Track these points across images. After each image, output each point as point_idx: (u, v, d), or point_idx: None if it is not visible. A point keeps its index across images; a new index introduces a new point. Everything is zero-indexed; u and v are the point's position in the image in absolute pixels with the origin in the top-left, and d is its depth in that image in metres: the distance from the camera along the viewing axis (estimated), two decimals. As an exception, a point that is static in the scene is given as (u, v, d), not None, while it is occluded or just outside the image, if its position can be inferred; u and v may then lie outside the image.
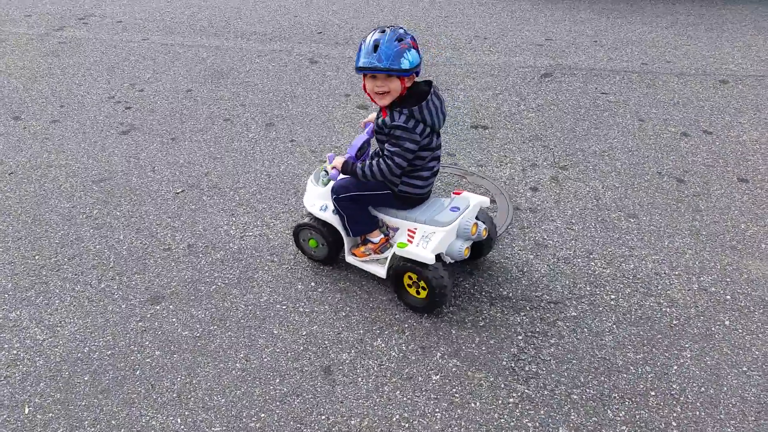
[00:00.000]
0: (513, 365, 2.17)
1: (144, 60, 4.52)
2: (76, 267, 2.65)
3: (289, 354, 2.23)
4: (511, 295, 2.48)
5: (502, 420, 1.98)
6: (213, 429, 1.97)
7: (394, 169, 2.17)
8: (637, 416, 1.99)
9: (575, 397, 2.06)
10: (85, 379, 2.16)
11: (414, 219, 2.33)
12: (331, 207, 2.43)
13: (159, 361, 2.21)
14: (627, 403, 2.03)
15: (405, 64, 2.07)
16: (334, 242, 2.52)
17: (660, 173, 3.24)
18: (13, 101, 4.02)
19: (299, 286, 2.53)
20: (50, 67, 4.46)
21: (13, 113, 3.88)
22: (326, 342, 2.27)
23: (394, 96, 2.14)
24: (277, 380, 2.13)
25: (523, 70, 4.42)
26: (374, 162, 2.19)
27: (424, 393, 2.08)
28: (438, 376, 2.13)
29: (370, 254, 2.46)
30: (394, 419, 1.99)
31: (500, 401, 2.04)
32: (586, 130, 3.66)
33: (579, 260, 2.66)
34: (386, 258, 2.40)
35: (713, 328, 2.31)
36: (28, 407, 2.06)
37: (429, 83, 2.22)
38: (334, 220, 2.45)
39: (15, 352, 2.27)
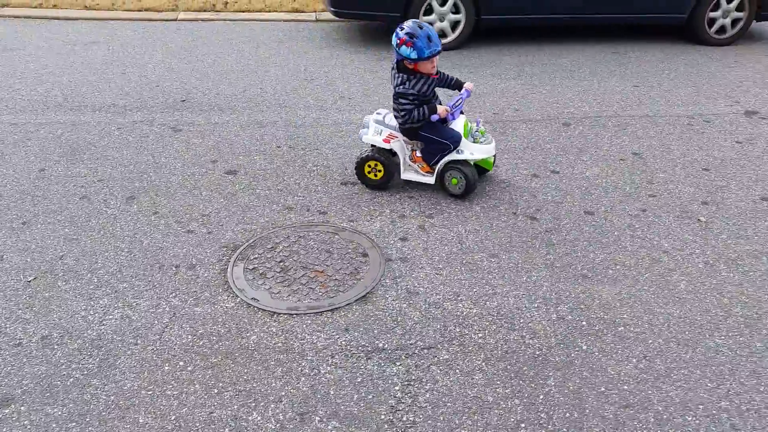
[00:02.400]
0: (391, 417, 2.19)
1: (-10, 141, 4.24)
2: None
3: (158, 440, 2.10)
4: (386, 346, 2.52)
5: (384, 475, 1.99)
6: None
7: None
8: (510, 450, 2.07)
9: (452, 440, 2.11)
10: None
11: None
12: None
13: (9, 470, 2.01)
14: (500, 438, 2.11)
15: None
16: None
17: (515, 213, 3.48)
18: None
19: (166, 368, 2.41)
20: None
21: None
22: (197, 424, 2.17)
23: None
24: (147, 471, 2.00)
25: (386, 125, 4.62)
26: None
27: (304, 460, 2.04)
28: (317, 440, 2.10)
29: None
30: (274, 492, 1.93)
31: (380, 456, 2.05)
32: (448, 178, 3.87)
33: (448, 303, 2.77)
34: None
35: (573, 354, 2.48)
36: None
37: None
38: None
39: None
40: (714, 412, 2.23)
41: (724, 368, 2.43)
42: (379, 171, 3.64)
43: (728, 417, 2.20)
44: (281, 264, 2.99)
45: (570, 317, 2.68)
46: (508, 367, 2.41)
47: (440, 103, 3.62)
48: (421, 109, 3.42)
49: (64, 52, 6.26)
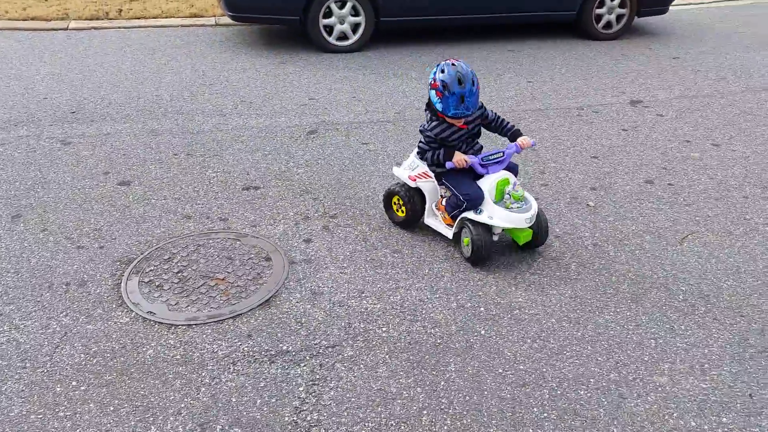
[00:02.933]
0: (295, 418, 2.18)
1: None
2: None
3: (48, 467, 1.99)
4: (290, 348, 2.50)
5: (288, 476, 1.97)
6: None
7: None
8: (413, 438, 2.11)
9: (356, 434, 2.12)
10: None
11: None
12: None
13: None
14: (402, 427, 2.15)
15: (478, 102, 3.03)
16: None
17: (417, 208, 3.55)
18: None
19: (58, 389, 2.29)
20: None
21: None
22: (93, 443, 2.08)
23: None
24: (35, 500, 1.89)
25: (290, 129, 4.60)
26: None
27: (205, 470, 1.99)
28: (219, 449, 2.06)
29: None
30: (174, 507, 1.87)
31: (284, 458, 2.03)
32: (351, 178, 3.89)
33: (353, 301, 2.79)
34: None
35: (472, 339, 2.56)
36: None
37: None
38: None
39: None
40: (604, 384, 2.36)
41: (613, 342, 2.58)
42: (401, 207, 3.30)
43: (617, 387, 2.34)
44: (179, 275, 2.91)
45: (469, 305, 2.77)
46: (411, 357, 2.46)
47: (480, 149, 3.20)
48: (437, 151, 3.03)
49: (-62, 65, 5.82)
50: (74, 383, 2.32)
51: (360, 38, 6.49)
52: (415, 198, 3.24)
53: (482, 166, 2.99)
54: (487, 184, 2.97)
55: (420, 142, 3.16)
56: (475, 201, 2.95)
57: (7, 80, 5.46)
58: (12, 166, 3.93)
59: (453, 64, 2.90)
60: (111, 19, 7.50)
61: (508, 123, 3.20)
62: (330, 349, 2.50)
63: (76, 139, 4.32)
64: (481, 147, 3.23)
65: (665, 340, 2.58)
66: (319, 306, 2.75)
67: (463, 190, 2.98)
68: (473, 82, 2.89)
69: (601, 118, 4.95)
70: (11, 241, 3.16)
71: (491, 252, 3.02)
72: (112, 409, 2.21)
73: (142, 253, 3.07)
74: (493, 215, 2.93)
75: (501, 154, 3.03)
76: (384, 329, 2.62)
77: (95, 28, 7.20)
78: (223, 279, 2.89)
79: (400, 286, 2.89)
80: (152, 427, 2.14)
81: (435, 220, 3.26)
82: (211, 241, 3.18)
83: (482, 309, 2.74)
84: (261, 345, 2.52)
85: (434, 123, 3.04)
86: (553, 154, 4.29)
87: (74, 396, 2.26)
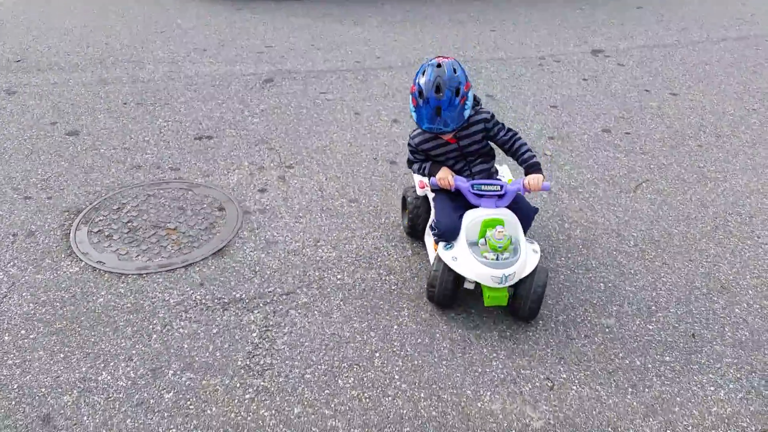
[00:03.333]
0: (248, 362, 2.19)
1: None
2: None
3: (-6, 416, 1.97)
4: (243, 296, 2.49)
5: (239, 417, 1.99)
6: None
7: None
8: (365, 378, 2.14)
9: (308, 376, 2.14)
10: None
11: None
12: None
13: None
14: (355, 369, 2.17)
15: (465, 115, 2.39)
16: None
17: (375, 159, 3.52)
18: None
19: (6, 338, 2.25)
20: None
21: None
22: (43, 389, 2.06)
23: None
24: (-20, 448, 1.87)
25: (245, 78, 4.48)
26: None
27: (156, 413, 1.99)
28: (171, 394, 2.06)
29: None
30: (124, 451, 1.88)
31: (236, 400, 2.04)
32: (309, 128, 3.83)
33: (308, 250, 2.78)
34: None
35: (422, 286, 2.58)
36: None
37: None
38: None
39: None
40: (552, 325, 2.41)
41: (562, 286, 2.63)
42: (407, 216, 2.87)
43: (564, 329, 2.40)
44: (129, 225, 2.85)
45: (424, 252, 2.78)
46: (365, 303, 2.47)
47: (492, 174, 2.63)
48: (423, 164, 2.55)
49: None
50: (23, 332, 2.28)
51: (321, -15, 6.30)
52: (420, 208, 2.73)
53: (474, 194, 2.41)
54: (471, 218, 2.38)
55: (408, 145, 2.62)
56: (445, 233, 2.39)
57: (-55, 26, 5.18)
58: (-48, 116, 3.76)
59: (438, 65, 2.33)
60: (58, -38, 7.10)
61: (526, 150, 2.50)
62: (284, 297, 2.50)
63: (21, 89, 4.13)
64: (496, 171, 2.66)
65: (614, 284, 2.65)
66: (274, 255, 2.73)
67: (438, 216, 2.48)
68: (457, 91, 2.29)
69: (562, 67, 4.94)
70: (-47, 192, 3.05)
71: (449, 299, 2.42)
72: (62, 356, 2.18)
73: (91, 204, 2.99)
74: (458, 258, 2.33)
75: (498, 187, 2.39)
76: (339, 276, 2.62)
77: (41, -27, 6.83)
78: (174, 229, 2.84)
79: (356, 235, 2.88)
80: (103, 373, 2.12)
81: (429, 239, 2.73)
82: (162, 191, 3.11)
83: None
84: (213, 293, 2.50)
85: (417, 131, 2.53)
86: (514, 104, 4.28)
87: (23, 345, 2.23)
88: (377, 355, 2.23)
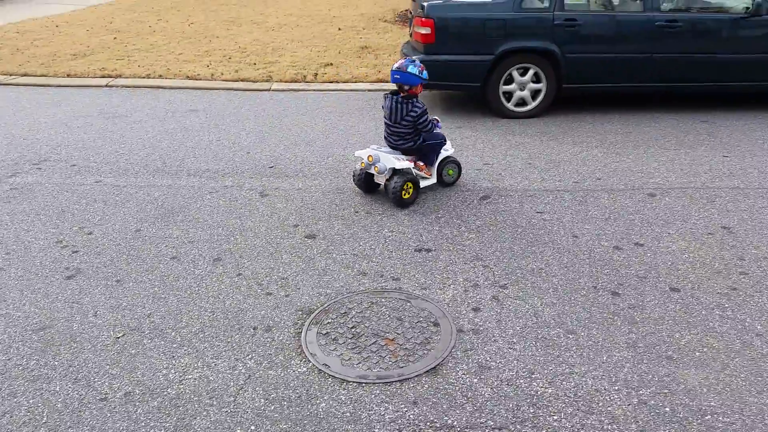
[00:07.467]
0: (458, 499, 2.12)
1: (95, 202, 4.61)
2: (5, 427, 2.54)
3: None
4: (456, 424, 2.46)
5: None
6: None
7: None
8: None
9: None
10: None
11: None
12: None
13: None
14: None
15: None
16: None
17: (595, 287, 3.37)
18: (-41, 250, 4.01)
19: (238, 431, 2.47)
20: None
21: (-44, 262, 3.86)
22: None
23: None
24: None
25: (463, 193, 4.65)
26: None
27: None
28: None
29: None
30: None
31: None
32: (524, 248, 3.82)
33: (521, 381, 2.69)
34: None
35: (654, 444, 2.32)
36: None
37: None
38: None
39: None
40: None
41: None
42: (410, 189, 4.38)
43: None
44: (353, 330, 3.03)
45: (653, 402, 2.53)
46: (584, 453, 2.29)
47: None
48: (430, 120, 4.47)
49: (165, 119, 6.80)
50: (252, 428, 2.48)
51: (539, 104, 6.45)
52: (413, 177, 4.48)
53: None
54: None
55: (420, 124, 4.38)
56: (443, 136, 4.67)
57: (218, 134, 6.22)
58: (217, 212, 4.42)
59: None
60: (308, 81, 8.26)
61: None
62: (497, 431, 2.41)
63: (272, 192, 4.75)
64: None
65: None
66: (487, 382, 2.69)
67: (439, 135, 4.62)
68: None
69: (816, 200, 4.37)
70: (211, 282, 3.53)
71: None
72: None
73: (321, 305, 3.26)
74: (448, 148, 4.73)
75: None
76: (555, 417, 2.48)
77: (294, 90, 7.98)
78: (392, 340, 2.95)
79: (574, 372, 2.73)
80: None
81: (423, 181, 4.60)
82: (383, 300, 3.28)
83: (668, 409, 2.49)
84: (426, 415, 2.51)
85: (419, 103, 4.37)
86: (755, 239, 3.84)
87: (253, 438, 2.42)
88: None
